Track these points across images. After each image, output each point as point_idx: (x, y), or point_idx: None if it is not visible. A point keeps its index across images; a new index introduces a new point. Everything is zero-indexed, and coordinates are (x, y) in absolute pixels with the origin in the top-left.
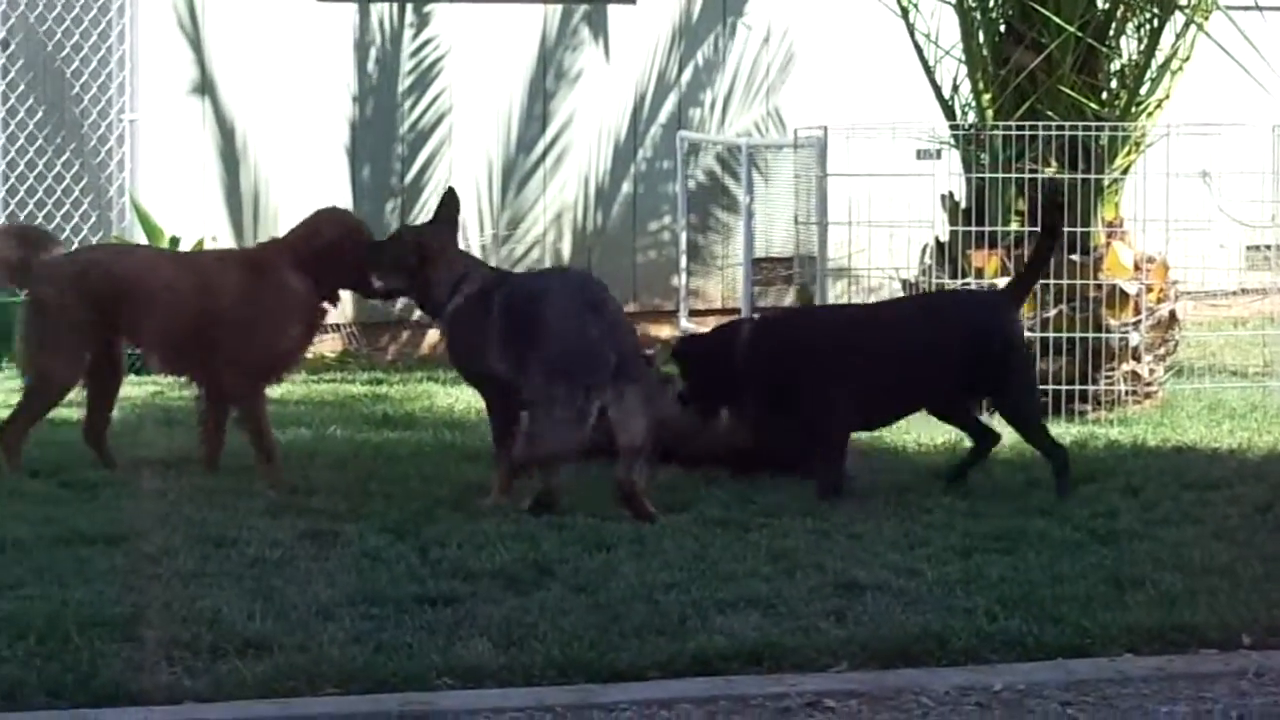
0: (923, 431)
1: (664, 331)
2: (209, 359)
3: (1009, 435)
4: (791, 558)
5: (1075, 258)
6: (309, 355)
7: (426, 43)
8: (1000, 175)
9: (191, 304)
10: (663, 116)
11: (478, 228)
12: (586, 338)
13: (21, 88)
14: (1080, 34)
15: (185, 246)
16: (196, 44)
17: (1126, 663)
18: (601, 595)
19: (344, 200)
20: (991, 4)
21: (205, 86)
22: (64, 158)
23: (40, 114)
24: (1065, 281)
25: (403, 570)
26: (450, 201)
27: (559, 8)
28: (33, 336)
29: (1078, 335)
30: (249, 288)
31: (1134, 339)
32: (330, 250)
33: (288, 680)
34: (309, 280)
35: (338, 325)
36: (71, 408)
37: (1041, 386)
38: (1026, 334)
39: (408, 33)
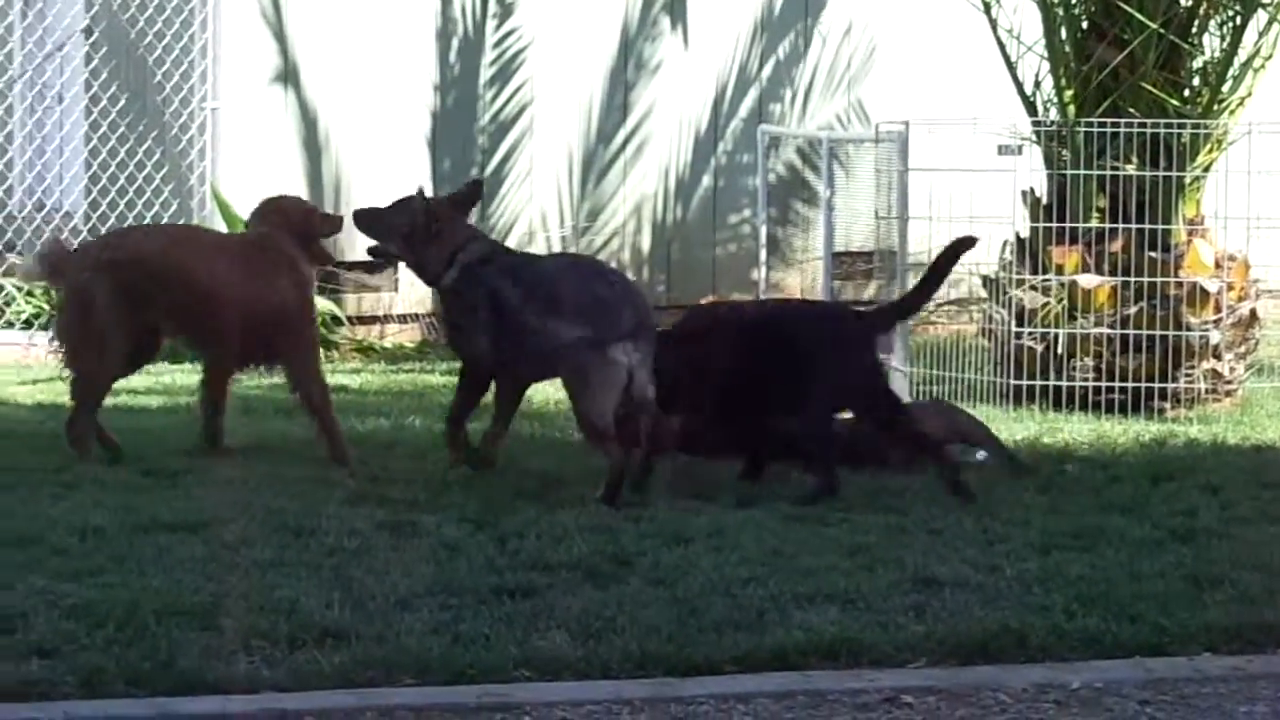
0: (1001, 428)
1: None
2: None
3: (1092, 431)
4: (870, 552)
5: (1156, 255)
6: (388, 345)
7: (509, 33)
8: (1082, 172)
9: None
10: (744, 110)
11: (557, 219)
12: (602, 297)
13: (104, 75)
14: (1163, 31)
15: None
16: (279, 32)
17: (1205, 662)
18: (680, 589)
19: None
20: (1074, 0)
21: (287, 75)
22: (145, 146)
23: (123, 102)
24: (1146, 279)
25: (481, 561)
26: (474, 185)
27: None
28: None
29: (1158, 333)
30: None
31: (1214, 337)
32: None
33: (365, 670)
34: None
35: (416, 315)
36: (152, 395)
37: (1120, 384)
38: (1108, 330)
39: (490, 23)
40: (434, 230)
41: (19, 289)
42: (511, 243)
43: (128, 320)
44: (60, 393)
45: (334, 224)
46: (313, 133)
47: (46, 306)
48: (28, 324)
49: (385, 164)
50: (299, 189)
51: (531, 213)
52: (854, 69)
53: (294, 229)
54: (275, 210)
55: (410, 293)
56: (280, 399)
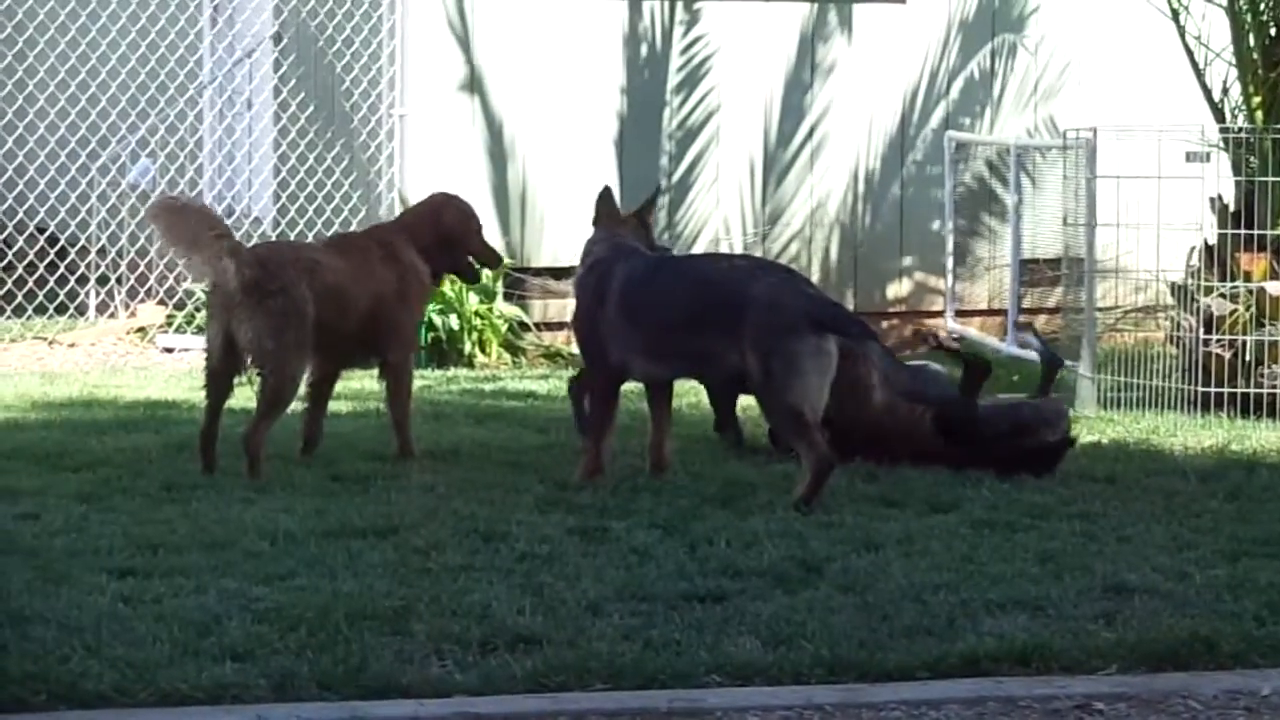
0: (1189, 436)
1: None
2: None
3: (1276, 439)
4: (1059, 559)
5: None
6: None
7: (696, 40)
8: (1270, 179)
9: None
10: (933, 121)
11: (740, 226)
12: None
13: (293, 82)
14: None
15: None
16: (465, 40)
17: None
18: (870, 595)
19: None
20: (1262, 7)
21: (474, 82)
22: (334, 152)
23: (311, 108)
24: None
25: (671, 567)
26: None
27: (827, 6)
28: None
29: None
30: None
31: None
32: (447, 235)
33: (557, 675)
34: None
35: None
36: (341, 401)
37: None
38: None
39: (677, 30)
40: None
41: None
42: (700, 248)
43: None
44: (249, 398)
45: (491, 257)
46: (499, 139)
47: None
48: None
49: (571, 171)
50: (485, 195)
51: (717, 219)
52: (1045, 84)
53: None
54: (418, 212)
55: None
56: (470, 405)
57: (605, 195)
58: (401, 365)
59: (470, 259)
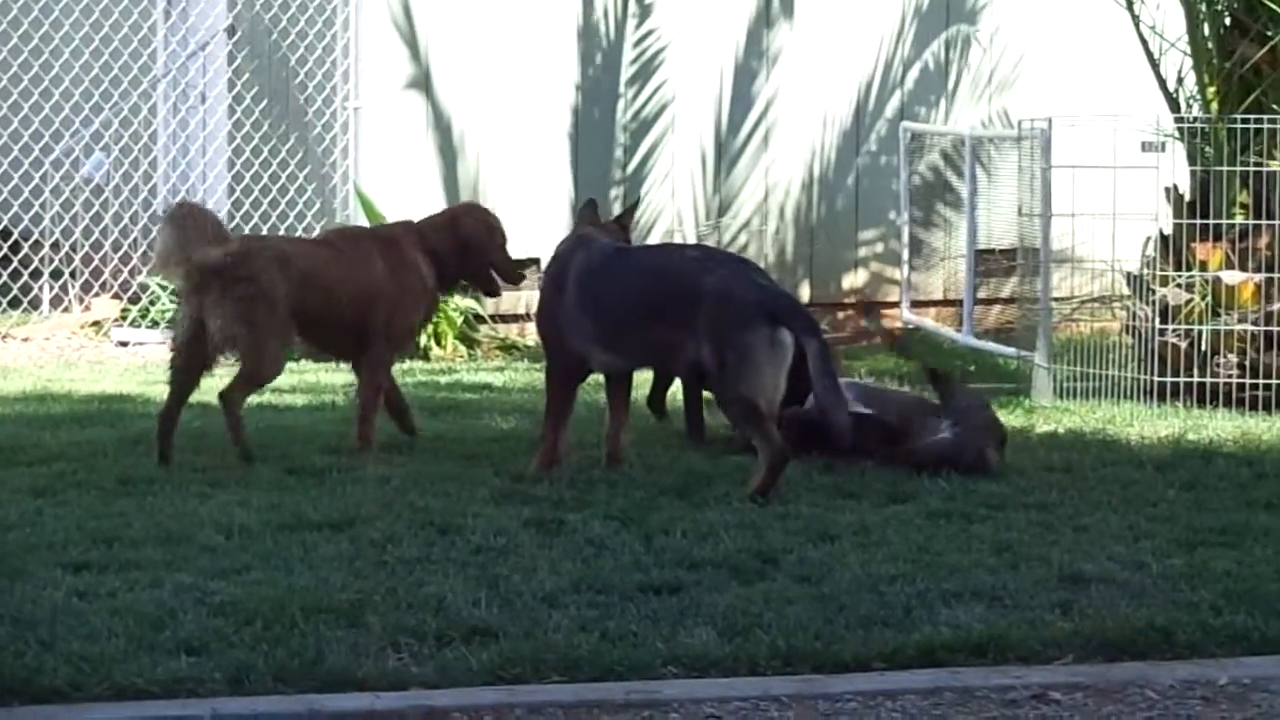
0: (1146, 425)
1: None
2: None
3: (1237, 428)
4: (1016, 550)
5: None
6: (530, 343)
7: (649, 33)
8: (1225, 168)
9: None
10: (888, 111)
11: (694, 218)
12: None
13: (247, 75)
14: None
15: None
16: (419, 33)
17: None
18: (826, 586)
19: (565, 188)
20: None
21: (428, 75)
22: (288, 145)
23: (265, 101)
24: None
25: (627, 559)
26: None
27: None
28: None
29: None
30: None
31: None
32: (464, 241)
33: (514, 667)
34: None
35: None
36: (297, 394)
37: (1265, 380)
38: (1252, 327)
39: (630, 23)
40: None
41: (163, 288)
42: (654, 240)
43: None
44: (205, 391)
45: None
46: (453, 132)
47: None
48: (172, 322)
49: (525, 164)
50: (437, 187)
51: (671, 211)
52: (1000, 74)
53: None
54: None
55: None
56: (426, 397)
57: (587, 206)
58: (378, 359)
59: (491, 270)
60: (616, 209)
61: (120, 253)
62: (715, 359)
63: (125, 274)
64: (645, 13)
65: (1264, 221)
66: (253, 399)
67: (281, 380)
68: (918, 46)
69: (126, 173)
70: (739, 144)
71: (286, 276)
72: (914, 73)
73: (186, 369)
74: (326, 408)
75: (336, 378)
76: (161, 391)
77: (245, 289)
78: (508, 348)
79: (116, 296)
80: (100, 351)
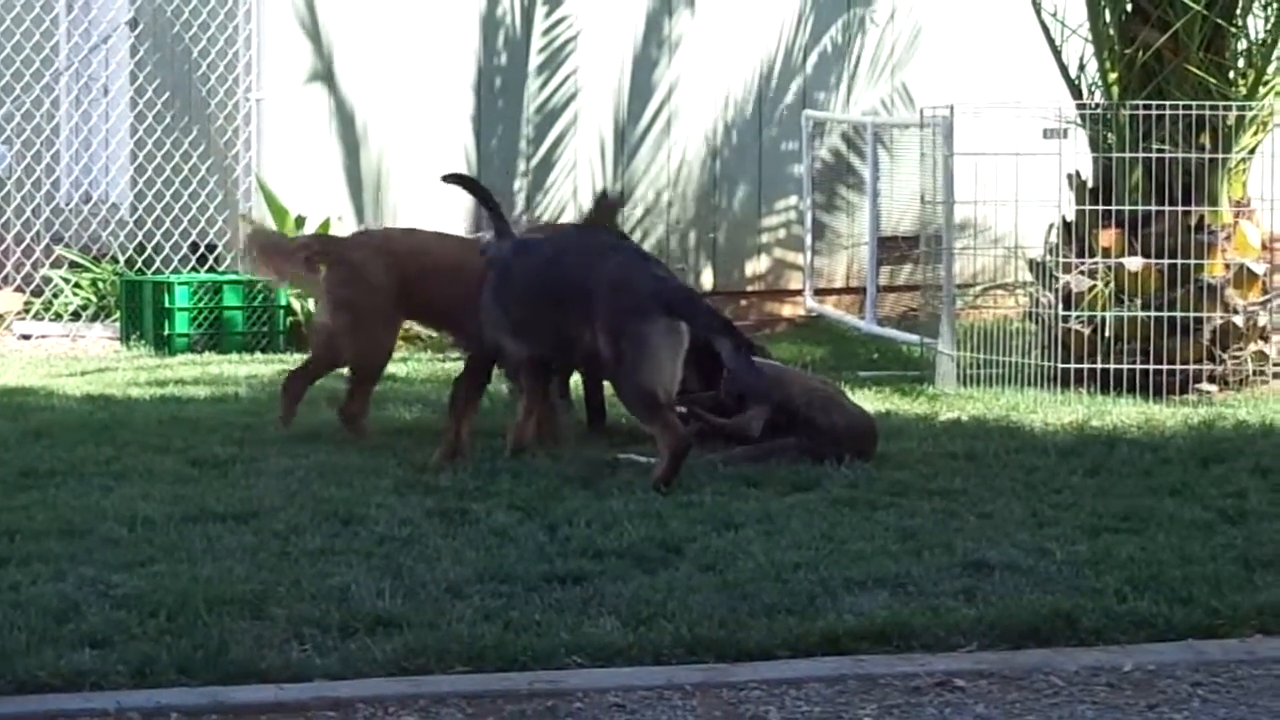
0: (1049, 412)
1: (787, 310)
2: None
3: (1140, 414)
4: (920, 537)
5: (1202, 237)
6: (433, 334)
7: (558, 22)
8: (1127, 155)
9: None
10: (789, 95)
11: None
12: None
13: (149, 67)
14: (1207, 13)
15: (310, 227)
16: (321, 24)
17: (1257, 644)
18: (730, 574)
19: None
20: None
21: (331, 66)
22: (191, 137)
23: (167, 94)
24: (1192, 261)
25: (531, 548)
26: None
27: None
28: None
29: (1205, 315)
30: None
31: (1261, 318)
32: None
33: (418, 658)
34: None
35: None
36: (200, 385)
37: (1169, 367)
38: (1154, 313)
39: (539, 12)
40: None
41: (66, 280)
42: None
43: None
44: (109, 384)
45: None
46: (355, 124)
47: (94, 299)
48: (75, 315)
49: (429, 154)
50: (340, 179)
51: (579, 202)
52: (898, 54)
53: None
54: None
55: None
56: (330, 389)
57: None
58: None
59: None
60: (521, 200)
61: (23, 245)
62: (611, 349)
63: (28, 267)
64: (553, 2)
65: (1165, 207)
66: (156, 390)
67: (183, 371)
68: (818, 30)
69: (29, 165)
70: (643, 132)
71: None
72: (814, 57)
73: None
74: (230, 399)
75: (240, 369)
76: (64, 383)
77: None
78: (410, 339)
79: (19, 289)
80: (2, 344)
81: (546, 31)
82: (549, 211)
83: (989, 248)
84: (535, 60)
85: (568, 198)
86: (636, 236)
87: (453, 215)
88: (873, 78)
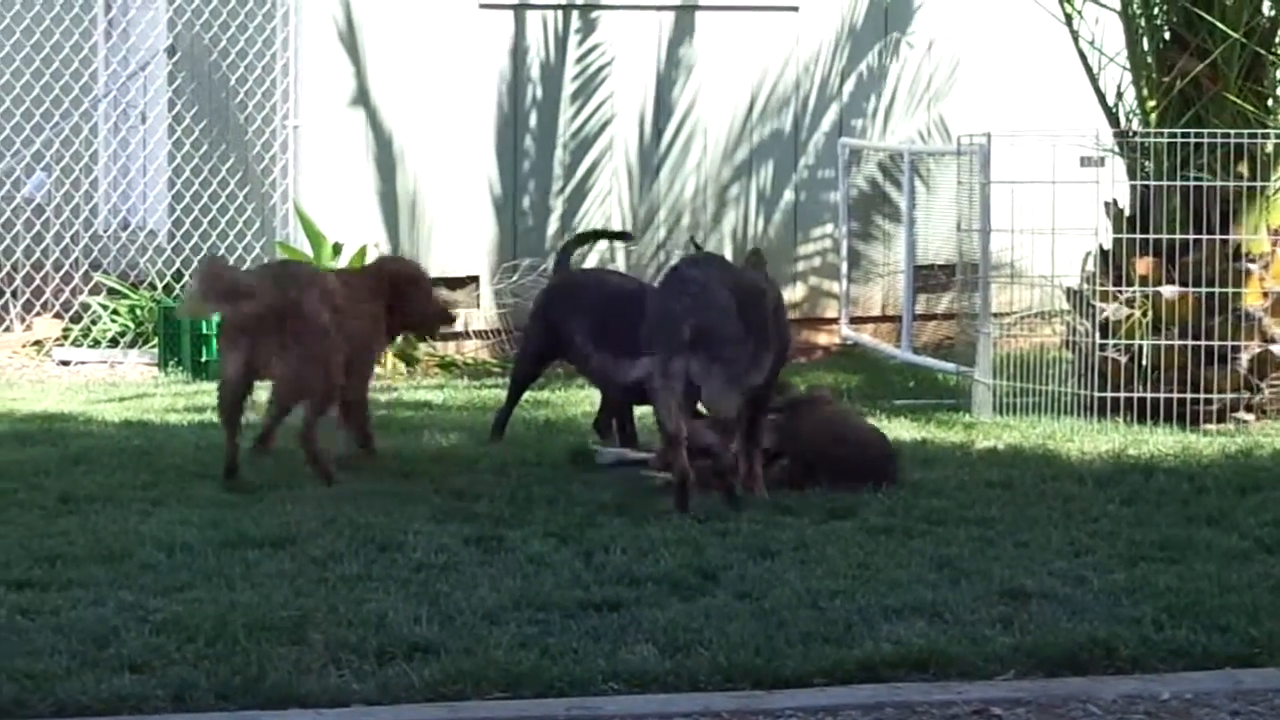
0: (1086, 440)
1: (823, 339)
2: None
3: (1177, 443)
4: (956, 565)
5: (1240, 266)
6: (469, 361)
7: (591, 49)
8: (1165, 183)
9: None
10: (825, 125)
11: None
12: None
13: (187, 95)
14: (1245, 41)
15: (347, 253)
16: (358, 51)
17: None
18: (766, 602)
19: (505, 205)
20: (1156, 10)
21: (367, 93)
22: (228, 164)
23: (205, 121)
24: (1230, 289)
25: (567, 575)
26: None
27: (723, 14)
28: None
29: (1242, 343)
30: None
31: None
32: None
33: (454, 684)
34: None
35: (496, 331)
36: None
37: (1206, 395)
38: (1192, 342)
39: (572, 40)
40: None
41: (104, 307)
42: (593, 259)
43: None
44: (147, 410)
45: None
46: (392, 149)
47: (132, 325)
48: (114, 342)
49: (463, 182)
50: (377, 205)
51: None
52: (936, 85)
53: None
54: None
55: (490, 308)
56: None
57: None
58: None
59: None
60: (556, 220)
61: (61, 272)
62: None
63: (67, 293)
64: (588, 29)
65: (1203, 236)
66: (194, 416)
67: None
68: (855, 61)
69: (67, 192)
70: (680, 160)
71: None
72: (851, 86)
73: None
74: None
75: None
76: (103, 409)
77: None
78: (447, 365)
79: (58, 316)
80: (42, 371)
81: (580, 59)
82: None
83: (1025, 276)
84: (569, 88)
85: (605, 220)
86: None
87: (483, 244)
88: (910, 108)
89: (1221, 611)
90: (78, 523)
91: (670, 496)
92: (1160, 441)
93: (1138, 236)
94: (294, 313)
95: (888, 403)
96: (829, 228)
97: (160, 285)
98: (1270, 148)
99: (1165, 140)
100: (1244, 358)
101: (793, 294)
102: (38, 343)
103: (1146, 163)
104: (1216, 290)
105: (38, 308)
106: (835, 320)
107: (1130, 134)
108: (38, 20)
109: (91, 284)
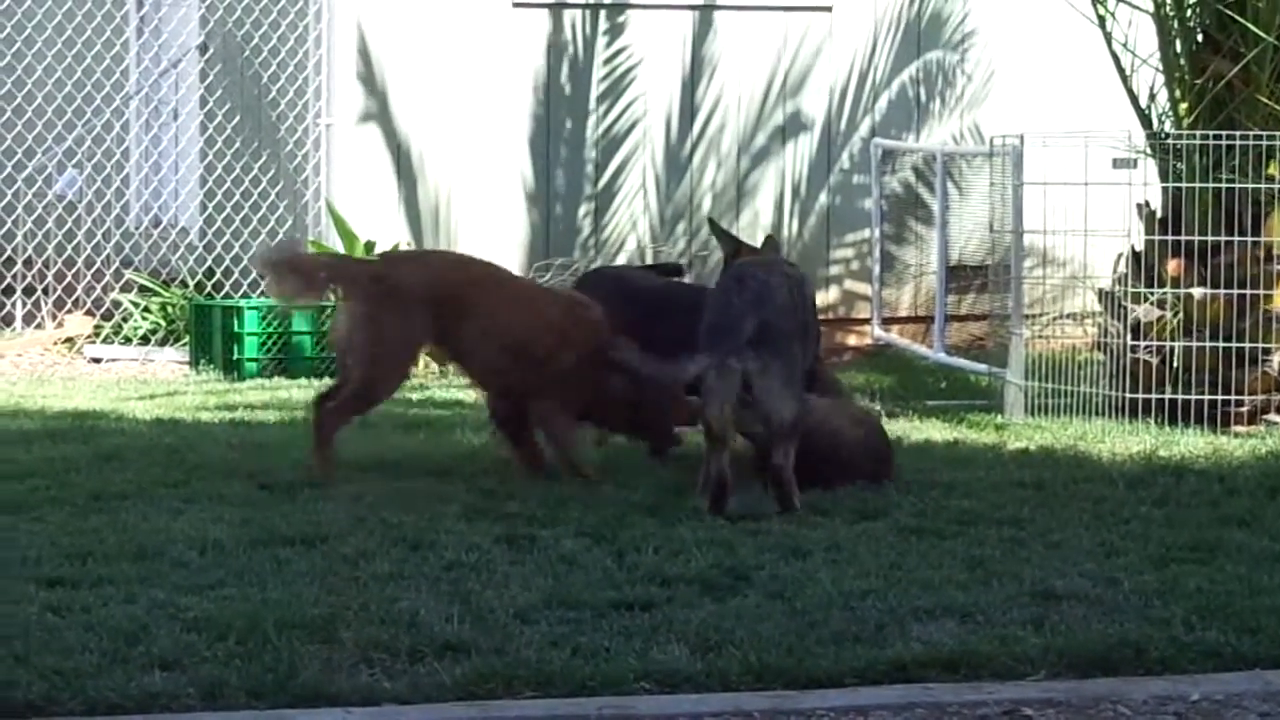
0: (1117, 442)
1: (853, 339)
2: None
3: (1208, 444)
4: (988, 566)
5: (1271, 267)
6: None
7: (620, 50)
8: (1197, 185)
9: None
10: (861, 128)
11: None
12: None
13: (219, 92)
14: (1278, 44)
15: (380, 252)
16: (391, 49)
17: None
18: (798, 602)
19: (538, 205)
20: (1189, 13)
21: (399, 91)
22: (260, 161)
23: (237, 118)
24: (1262, 291)
25: (599, 575)
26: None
27: (755, 14)
28: None
29: (1274, 345)
30: None
31: None
32: None
33: (486, 683)
34: None
35: None
36: (269, 410)
37: (1238, 397)
38: (1223, 344)
39: (600, 40)
40: None
41: (136, 305)
42: (623, 259)
43: None
44: (178, 408)
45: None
46: (422, 148)
47: (163, 323)
48: (145, 339)
49: (493, 180)
50: (408, 203)
51: (643, 227)
52: (969, 87)
53: None
54: None
55: None
56: (398, 414)
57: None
58: None
59: None
60: (587, 224)
61: (93, 269)
62: None
63: (98, 290)
64: (619, 28)
65: (1235, 238)
66: (225, 414)
67: (252, 396)
68: (890, 62)
69: (99, 189)
70: (713, 162)
71: None
72: (885, 88)
73: None
74: (298, 424)
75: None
76: (134, 406)
77: None
78: None
79: (89, 313)
80: (73, 368)
81: (609, 59)
82: (612, 239)
83: (1058, 277)
84: (599, 87)
85: (635, 220)
86: (708, 264)
87: (512, 243)
88: (945, 111)
89: (1252, 613)
90: (108, 520)
91: (704, 496)
92: (1191, 443)
93: (1169, 238)
94: None
95: (920, 403)
96: (864, 232)
97: (192, 283)
98: None
99: (1197, 142)
100: (1275, 359)
101: (825, 296)
102: (69, 340)
103: (1178, 164)
104: (1248, 292)
105: (69, 305)
106: (867, 321)
107: (1162, 136)
108: (69, 17)
109: (123, 281)
